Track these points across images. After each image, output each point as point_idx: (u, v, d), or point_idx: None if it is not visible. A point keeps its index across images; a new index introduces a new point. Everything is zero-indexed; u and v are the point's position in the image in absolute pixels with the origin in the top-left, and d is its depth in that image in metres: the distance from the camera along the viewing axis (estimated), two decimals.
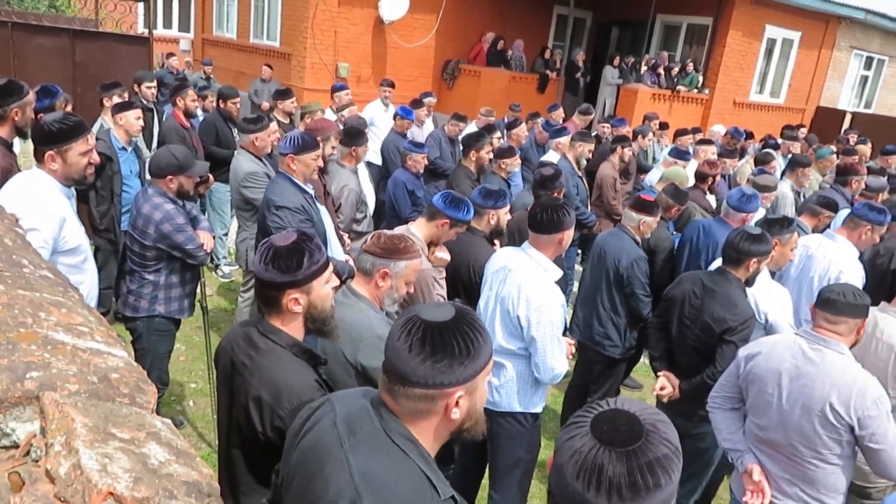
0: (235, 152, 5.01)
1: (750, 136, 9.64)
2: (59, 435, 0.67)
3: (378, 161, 7.35)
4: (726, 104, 13.72)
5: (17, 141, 3.89)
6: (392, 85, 8.73)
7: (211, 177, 5.33)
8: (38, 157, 2.91)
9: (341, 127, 5.92)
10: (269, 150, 5.03)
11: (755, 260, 3.30)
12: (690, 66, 13.33)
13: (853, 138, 10.55)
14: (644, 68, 12.95)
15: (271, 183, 4.09)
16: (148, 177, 3.76)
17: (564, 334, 3.23)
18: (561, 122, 8.66)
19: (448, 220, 3.47)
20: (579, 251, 7.18)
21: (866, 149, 9.38)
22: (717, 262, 3.59)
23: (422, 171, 5.80)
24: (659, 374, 3.60)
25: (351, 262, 3.96)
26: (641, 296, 4.14)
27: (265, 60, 11.75)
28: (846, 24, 15.20)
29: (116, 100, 5.50)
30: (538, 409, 3.25)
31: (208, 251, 3.77)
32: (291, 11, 11.86)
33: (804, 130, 11.88)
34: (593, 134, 7.96)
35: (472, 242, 3.80)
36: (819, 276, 4.16)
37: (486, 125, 7.41)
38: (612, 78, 13.04)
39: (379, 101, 8.54)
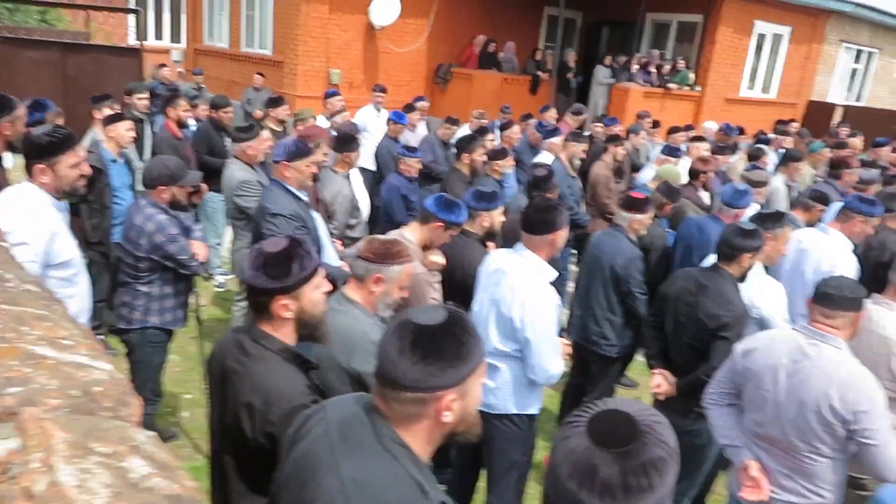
0: (228, 161, 5.01)
1: (742, 131, 9.67)
2: (38, 451, 0.66)
3: (372, 166, 7.36)
4: (718, 101, 13.76)
5: (8, 155, 3.88)
6: (384, 90, 8.74)
7: (204, 186, 5.32)
8: (28, 170, 2.91)
9: (334, 133, 5.93)
10: (262, 159, 5.03)
11: (748, 255, 3.31)
12: (681, 64, 13.35)
13: (844, 132, 10.59)
14: (635, 67, 12.97)
15: (266, 191, 4.09)
16: (140, 188, 3.76)
17: (561, 335, 3.23)
18: (553, 122, 8.67)
19: (442, 224, 3.48)
20: (574, 251, 7.18)
21: (858, 142, 9.42)
22: (711, 259, 3.60)
23: (416, 175, 5.80)
24: (654, 371, 3.60)
25: (346, 268, 3.96)
26: (638, 294, 4.14)
27: (257, 69, 11.75)
28: (835, 18, 15.26)
29: (107, 112, 5.49)
30: (534, 411, 3.24)
31: (202, 261, 3.77)
32: (282, 19, 11.87)
33: (796, 125, 11.93)
34: (586, 134, 7.96)
35: (466, 245, 3.80)
36: (813, 270, 4.16)
37: (479, 128, 7.42)
38: (604, 77, 13.06)
39: (371, 107, 8.55)
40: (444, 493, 1.38)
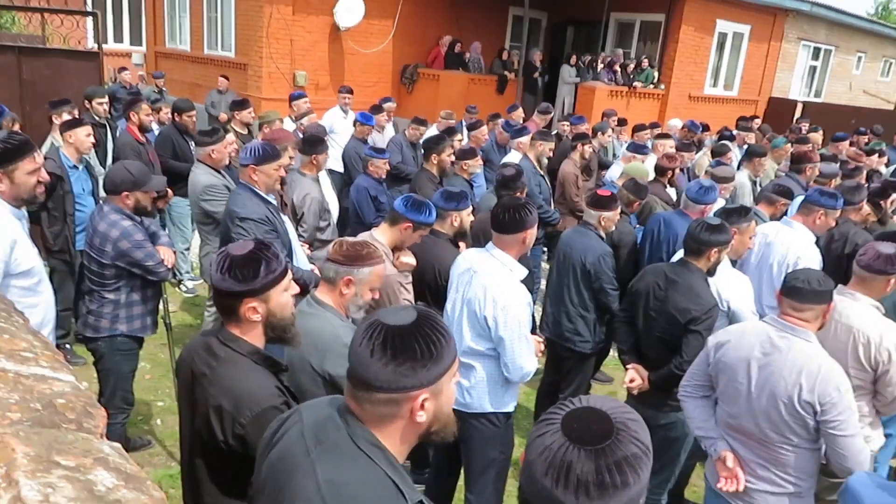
0: (193, 166, 4.93)
1: (706, 128, 9.82)
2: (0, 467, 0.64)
3: (340, 168, 7.31)
4: (682, 98, 13.96)
5: None
6: (351, 91, 8.69)
7: (170, 191, 5.23)
8: None
9: (301, 136, 5.87)
10: (228, 162, 4.96)
11: (715, 250, 3.35)
12: (645, 63, 13.53)
13: (805, 127, 10.83)
14: (600, 66, 13.10)
15: (233, 194, 4.03)
16: (103, 194, 3.68)
17: (534, 332, 3.23)
18: (521, 122, 8.71)
19: (411, 224, 3.47)
20: (545, 249, 7.23)
21: (818, 136, 9.64)
22: (679, 254, 3.64)
23: (384, 176, 5.78)
24: (628, 367, 3.64)
25: (317, 271, 3.92)
26: (610, 290, 4.18)
27: (220, 71, 11.60)
28: (793, 17, 15.62)
29: (66, 117, 5.37)
30: (510, 409, 3.25)
31: (169, 267, 3.70)
32: (245, 21, 11.72)
33: (758, 121, 12.17)
34: (553, 133, 8.02)
35: (437, 245, 3.79)
36: (778, 263, 4.25)
37: (447, 128, 7.42)
38: (570, 77, 13.17)
39: (338, 108, 8.50)
40: (420, 493, 1.38)
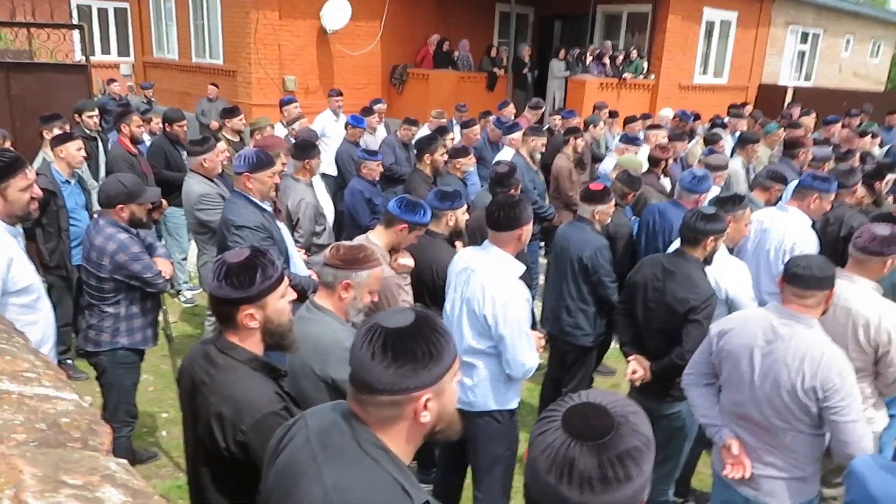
0: (186, 176, 4.93)
1: (697, 117, 9.83)
2: (8, 488, 0.64)
3: (333, 172, 7.31)
4: (672, 88, 13.97)
5: None
6: (341, 94, 8.68)
7: (164, 202, 5.22)
8: None
9: (293, 141, 5.87)
10: (221, 170, 4.95)
11: (712, 238, 3.36)
12: (634, 54, 13.53)
13: (797, 111, 10.84)
14: (589, 59, 13.10)
15: (228, 203, 4.02)
16: (97, 207, 3.67)
17: (534, 328, 3.23)
18: (512, 118, 8.71)
19: (406, 225, 3.47)
20: (542, 244, 7.23)
21: (810, 120, 9.65)
22: (676, 244, 3.65)
23: (377, 178, 5.78)
24: (629, 358, 3.64)
25: (314, 277, 3.92)
26: (608, 283, 4.19)
27: (209, 79, 11.57)
28: (780, 2, 15.63)
29: (57, 132, 5.35)
30: (514, 406, 3.26)
31: (167, 278, 3.70)
32: (232, 28, 11.69)
33: (749, 108, 12.18)
34: (545, 127, 8.03)
35: (433, 245, 3.79)
36: (775, 249, 4.25)
37: (439, 127, 7.42)
38: (559, 71, 13.17)
39: (329, 112, 8.49)
40: (427, 494, 1.39)
